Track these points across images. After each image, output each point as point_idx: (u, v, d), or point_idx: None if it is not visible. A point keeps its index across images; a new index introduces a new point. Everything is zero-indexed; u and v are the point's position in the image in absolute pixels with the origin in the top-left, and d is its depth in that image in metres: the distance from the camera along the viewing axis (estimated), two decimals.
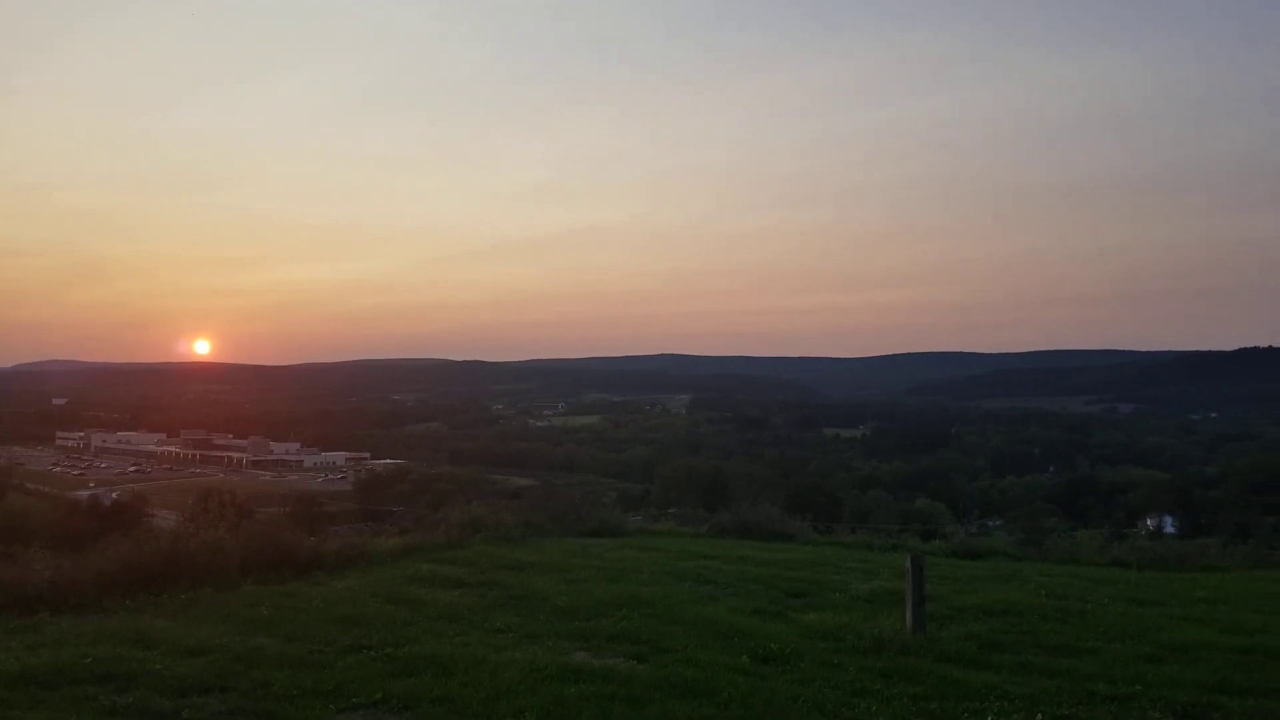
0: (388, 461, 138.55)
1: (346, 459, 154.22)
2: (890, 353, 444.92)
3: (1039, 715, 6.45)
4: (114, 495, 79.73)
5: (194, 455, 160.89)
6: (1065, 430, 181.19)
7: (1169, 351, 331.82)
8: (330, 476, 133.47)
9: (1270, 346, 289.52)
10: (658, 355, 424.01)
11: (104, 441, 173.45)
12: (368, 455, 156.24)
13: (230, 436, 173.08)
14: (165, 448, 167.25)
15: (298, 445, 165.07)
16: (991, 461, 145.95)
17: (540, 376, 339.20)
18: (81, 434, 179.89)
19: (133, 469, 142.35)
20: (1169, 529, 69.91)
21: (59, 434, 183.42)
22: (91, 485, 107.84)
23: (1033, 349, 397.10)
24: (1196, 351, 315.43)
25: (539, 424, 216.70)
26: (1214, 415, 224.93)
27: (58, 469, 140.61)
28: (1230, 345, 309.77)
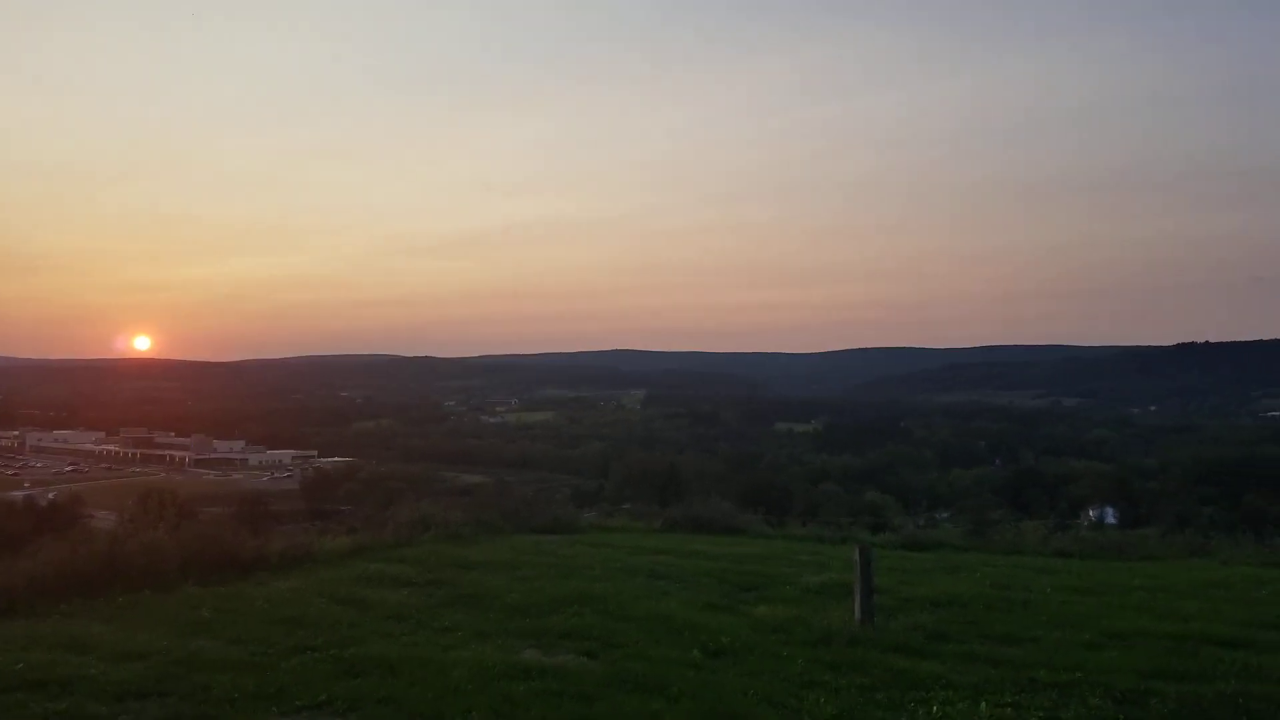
0: (336, 459, 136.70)
1: (293, 457, 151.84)
2: (842, 348, 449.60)
3: (983, 704, 6.54)
4: (50, 496, 77.46)
5: (134, 454, 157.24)
6: (1012, 424, 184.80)
7: (1112, 347, 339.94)
8: (276, 475, 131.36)
9: (1207, 342, 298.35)
10: (611, 351, 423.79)
11: (39, 440, 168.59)
12: (315, 453, 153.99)
13: (172, 435, 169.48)
14: (104, 446, 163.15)
15: (242, 443, 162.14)
16: (940, 455, 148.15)
17: (492, 373, 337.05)
18: (15, 433, 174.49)
19: (70, 468, 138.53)
20: (1110, 520, 71.71)
21: None
22: (26, 486, 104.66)
23: (982, 345, 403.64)
24: (1137, 347, 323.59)
25: (491, 420, 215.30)
26: (1154, 409, 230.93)
27: None
28: (1169, 341, 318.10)
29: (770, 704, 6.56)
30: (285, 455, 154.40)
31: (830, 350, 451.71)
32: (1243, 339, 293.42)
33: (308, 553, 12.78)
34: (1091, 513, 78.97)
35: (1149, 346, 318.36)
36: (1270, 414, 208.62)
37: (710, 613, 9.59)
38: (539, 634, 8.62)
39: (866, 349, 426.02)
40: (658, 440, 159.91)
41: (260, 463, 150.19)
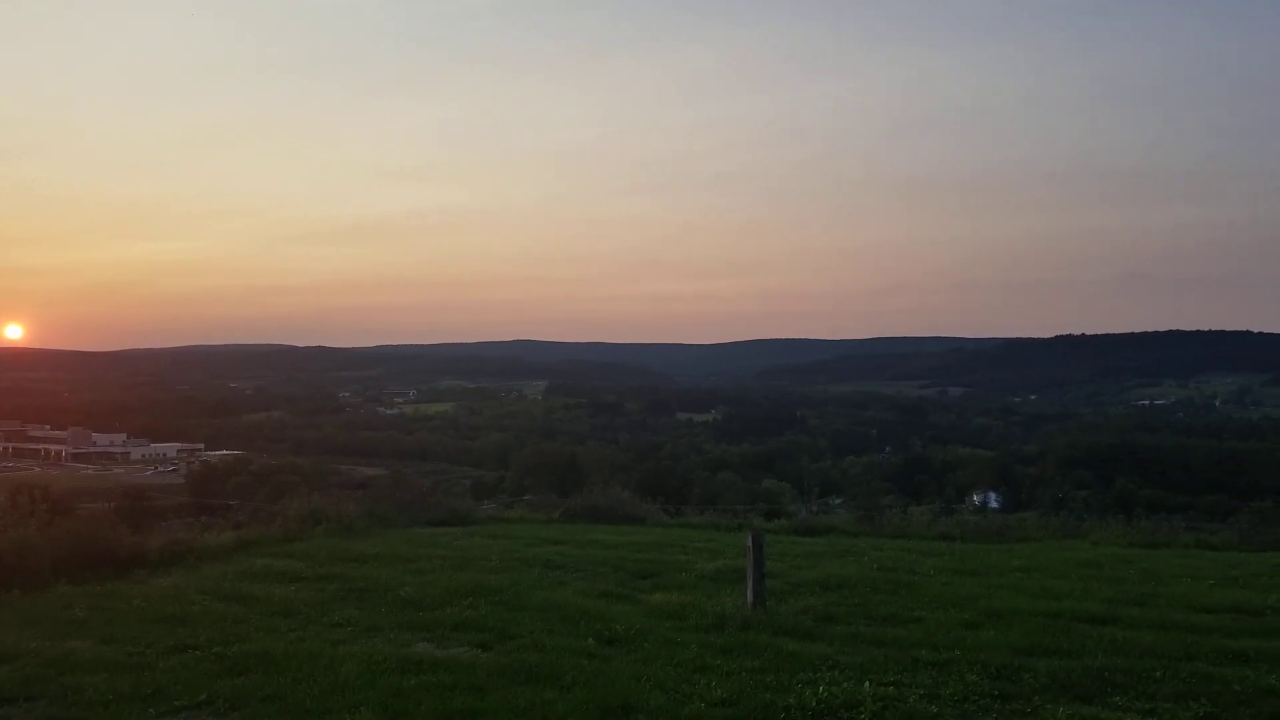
0: (224, 453, 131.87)
1: (178, 450, 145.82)
2: (740, 339, 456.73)
3: (867, 683, 6.75)
4: None
5: (6, 448, 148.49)
6: (901, 412, 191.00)
7: (994, 339, 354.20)
8: (160, 469, 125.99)
9: (1083, 334, 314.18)
10: (512, 341, 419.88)
11: None
12: (202, 446, 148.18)
13: (48, 428, 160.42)
14: None
15: (124, 436, 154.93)
16: (834, 442, 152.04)
17: (389, 363, 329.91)
18: None
19: None
20: (994, 504, 74.93)
21: None
22: None
23: (873, 336, 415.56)
24: (1018, 339, 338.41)
25: (389, 412, 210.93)
26: (1033, 398, 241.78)
27: None
28: (1048, 333, 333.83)
29: (662, 690, 6.63)
30: (170, 448, 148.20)
31: (729, 341, 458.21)
32: (1116, 331, 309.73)
33: (190, 549, 12.33)
34: (976, 497, 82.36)
35: (1029, 338, 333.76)
36: (1141, 402, 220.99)
37: (606, 601, 9.64)
38: (432, 627, 8.52)
39: (763, 340, 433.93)
40: (559, 431, 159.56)
41: (143, 456, 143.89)
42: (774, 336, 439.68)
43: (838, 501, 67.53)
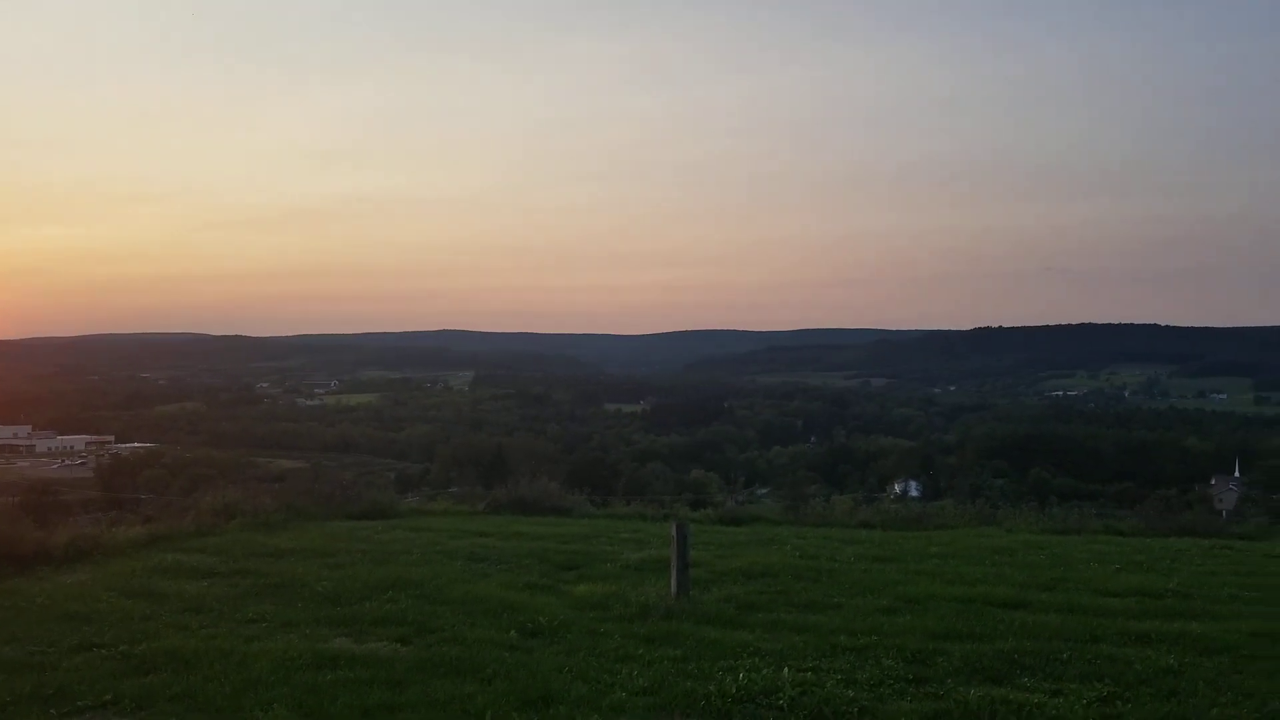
0: (136, 445, 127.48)
1: (87, 443, 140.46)
2: (670, 330, 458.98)
3: (786, 670, 6.83)
4: None
5: None
6: (826, 403, 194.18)
7: (916, 331, 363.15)
8: (68, 462, 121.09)
9: (1001, 327, 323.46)
10: (438, 331, 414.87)
11: None
12: (112, 439, 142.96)
13: None
14: None
15: (28, 428, 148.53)
16: (761, 433, 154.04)
17: (310, 353, 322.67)
18: None
19: None
20: (914, 492, 76.88)
21: None
22: None
23: (799, 328, 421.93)
24: (939, 331, 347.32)
25: (309, 403, 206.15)
26: (953, 389, 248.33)
27: None
28: (967, 326, 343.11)
29: (584, 680, 6.62)
30: (78, 441, 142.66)
31: (659, 333, 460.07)
32: (1032, 324, 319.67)
33: (97, 544, 11.87)
34: (897, 486, 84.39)
35: (949, 330, 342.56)
36: (1055, 393, 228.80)
37: (530, 593, 9.58)
38: (350, 622, 8.35)
39: (693, 332, 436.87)
40: (486, 422, 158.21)
41: (49, 449, 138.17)
42: (704, 328, 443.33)
43: (764, 491, 68.44)
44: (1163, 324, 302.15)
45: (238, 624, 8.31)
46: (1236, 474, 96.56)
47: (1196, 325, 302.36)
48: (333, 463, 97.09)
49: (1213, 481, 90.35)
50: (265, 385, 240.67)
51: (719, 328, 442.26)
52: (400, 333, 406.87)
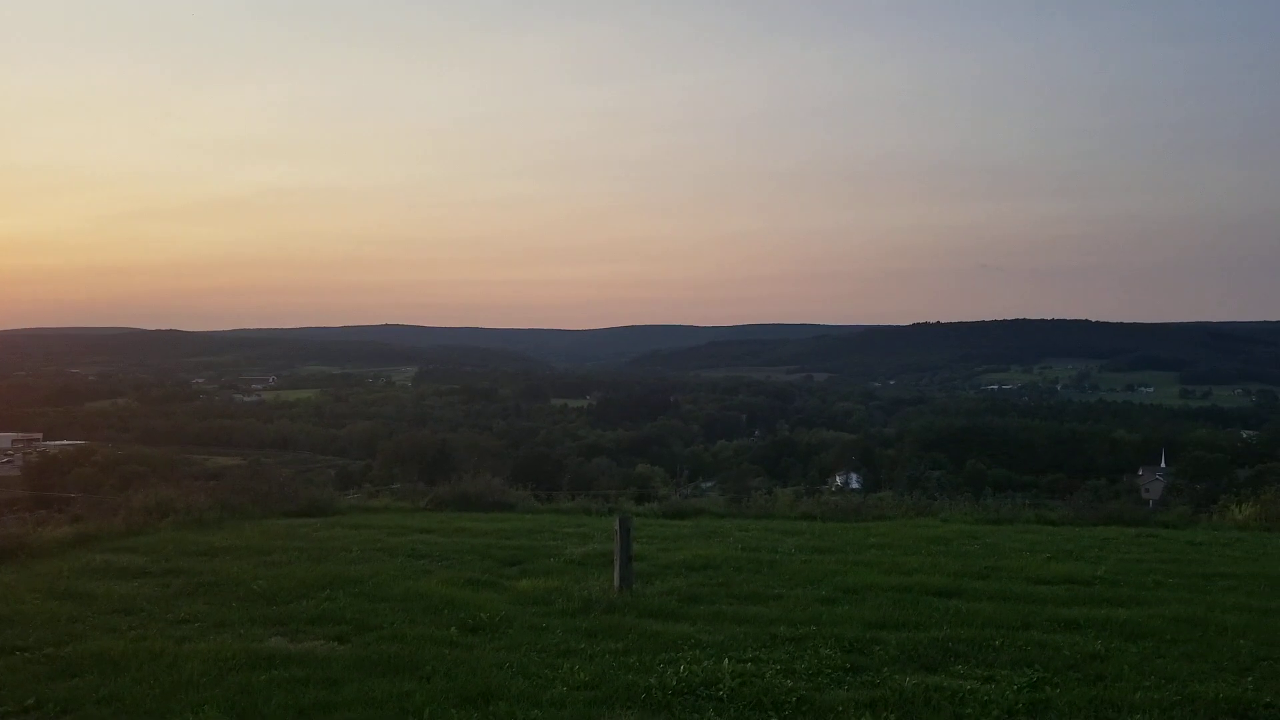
0: (65, 443, 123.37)
1: (14, 441, 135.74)
2: (615, 325, 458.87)
3: (726, 661, 6.89)
4: None
5: None
6: (769, 397, 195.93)
7: (857, 326, 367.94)
8: None
9: (939, 322, 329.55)
10: (380, 326, 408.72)
11: None
12: (40, 436, 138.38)
13: None
14: None
15: None
16: (705, 427, 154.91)
17: (248, 347, 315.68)
18: None
19: None
20: (855, 484, 77.92)
21: None
22: None
23: (742, 323, 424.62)
24: (879, 326, 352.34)
25: (247, 399, 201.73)
26: (892, 382, 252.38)
27: None
28: (906, 321, 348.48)
29: (525, 676, 6.60)
30: (4, 439, 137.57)
31: (604, 327, 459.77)
32: (968, 320, 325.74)
33: (23, 544, 11.50)
34: (838, 478, 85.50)
35: (889, 325, 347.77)
36: (990, 386, 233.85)
37: (471, 589, 9.51)
38: (286, 621, 8.21)
39: (639, 326, 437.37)
40: (430, 418, 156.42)
41: None
42: (649, 323, 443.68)
43: (709, 485, 68.83)
44: (1093, 320, 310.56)
45: (169, 624, 8.12)
46: (1163, 464, 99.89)
47: (1125, 321, 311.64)
48: (271, 460, 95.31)
49: (1140, 472, 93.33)
50: (201, 381, 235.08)
51: (664, 323, 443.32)
52: (341, 327, 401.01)
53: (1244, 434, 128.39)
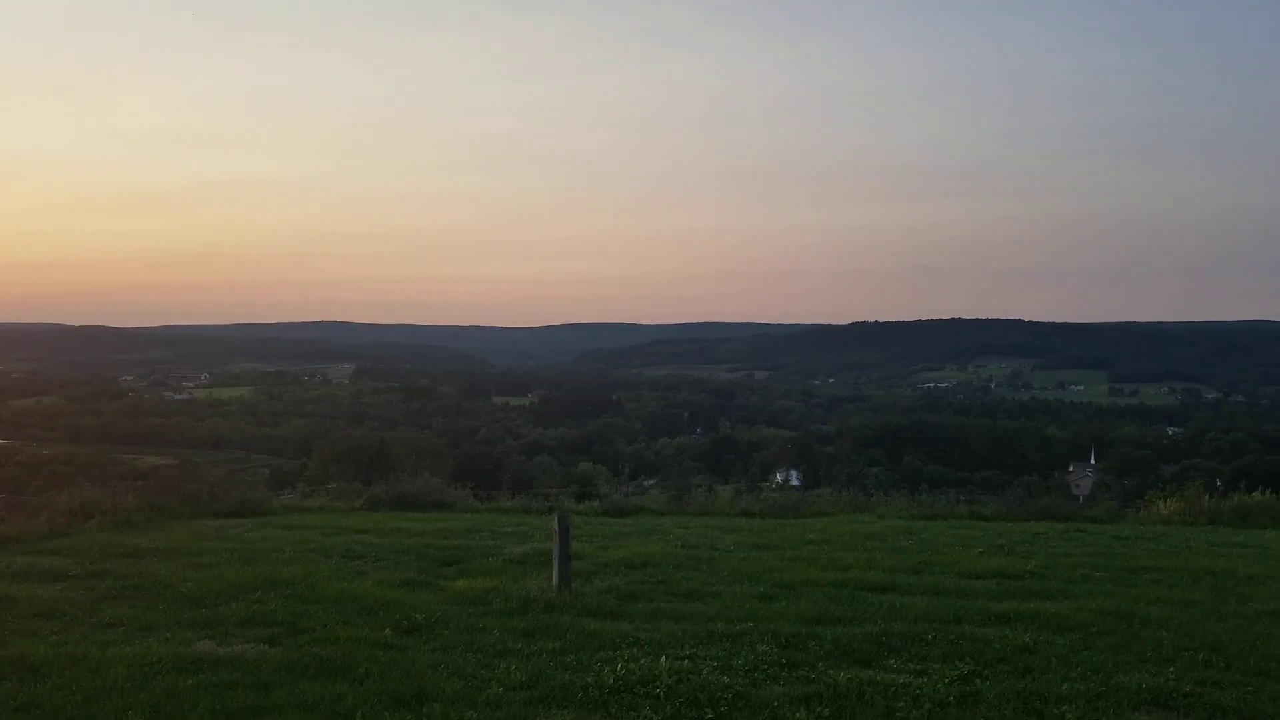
0: None
1: None
2: (556, 323, 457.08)
3: (663, 658, 6.89)
4: None
5: None
6: (711, 395, 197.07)
7: (796, 325, 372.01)
8: None
9: (877, 322, 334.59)
10: (317, 322, 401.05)
11: None
12: None
13: None
14: None
15: None
16: (648, 425, 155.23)
17: (179, 344, 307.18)
18: None
19: None
20: (794, 481, 78.88)
21: None
22: None
23: (684, 322, 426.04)
24: (818, 325, 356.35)
25: (178, 397, 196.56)
26: (831, 381, 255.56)
27: None
28: (845, 320, 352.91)
29: (460, 676, 6.52)
30: None
31: (546, 325, 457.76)
32: (905, 319, 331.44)
33: None
34: (779, 475, 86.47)
35: (828, 325, 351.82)
36: (926, 385, 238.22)
37: (407, 590, 9.38)
38: (215, 624, 8.01)
39: (581, 324, 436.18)
40: (367, 416, 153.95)
41: None
42: (591, 321, 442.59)
43: (651, 482, 69.01)
44: (1026, 320, 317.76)
45: (93, 629, 7.87)
46: (1092, 461, 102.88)
47: (1056, 321, 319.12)
48: (203, 459, 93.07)
49: (1070, 468, 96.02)
50: (129, 378, 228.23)
51: (605, 320, 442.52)
52: (275, 323, 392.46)
53: (1169, 431, 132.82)
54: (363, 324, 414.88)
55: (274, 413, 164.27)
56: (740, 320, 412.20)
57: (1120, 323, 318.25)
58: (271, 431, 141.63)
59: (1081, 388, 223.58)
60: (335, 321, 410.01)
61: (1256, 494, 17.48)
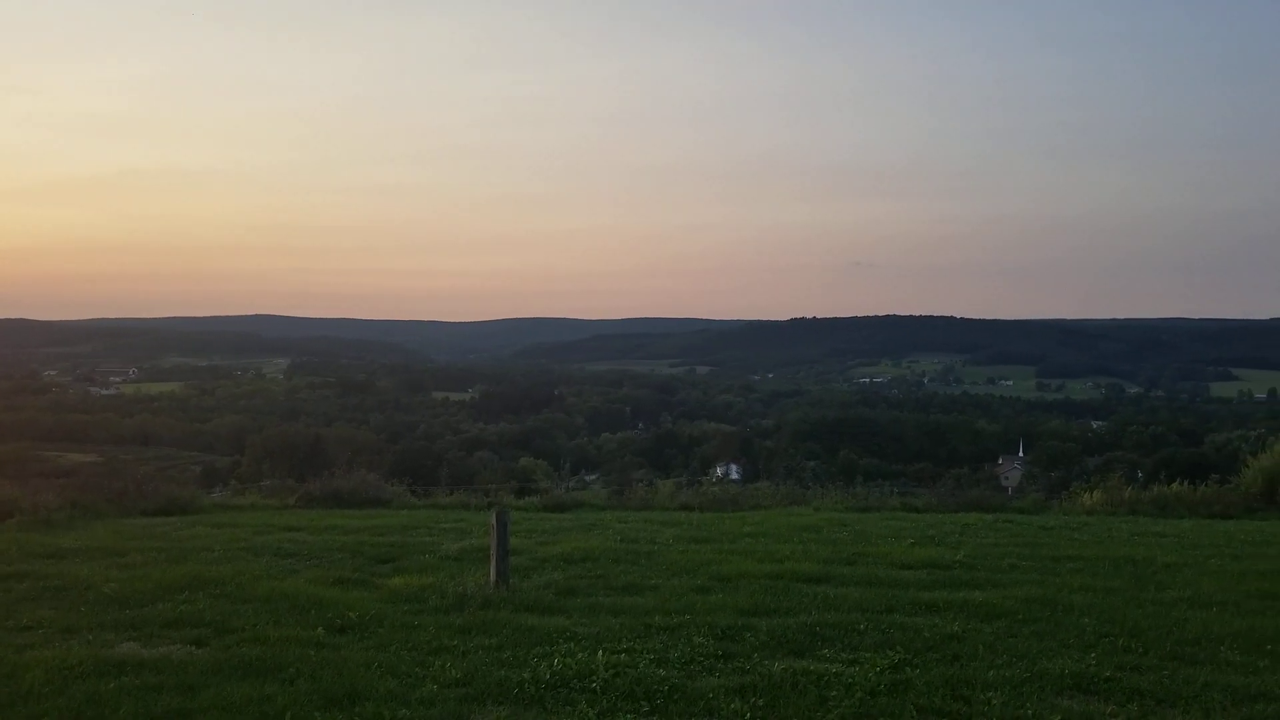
0: None
1: None
2: (498, 317, 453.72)
3: (600, 652, 6.90)
4: None
5: None
6: (653, 390, 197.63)
7: (737, 321, 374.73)
8: None
9: (814, 318, 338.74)
10: (250, 316, 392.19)
11: None
12: None
13: None
14: None
15: None
16: (590, 420, 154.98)
17: (106, 337, 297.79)
18: None
19: None
20: (734, 475, 79.43)
21: None
22: None
23: (626, 317, 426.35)
24: (758, 321, 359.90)
25: (105, 392, 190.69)
26: (770, 376, 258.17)
27: None
28: (784, 316, 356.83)
29: (394, 675, 6.45)
30: None
31: (487, 319, 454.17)
32: (842, 315, 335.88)
33: None
34: (719, 469, 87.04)
35: (767, 320, 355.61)
36: (862, 380, 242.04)
37: (341, 588, 9.24)
38: (140, 625, 7.79)
39: (522, 319, 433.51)
40: (303, 412, 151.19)
41: None
42: (533, 316, 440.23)
43: (592, 477, 68.98)
44: (957, 316, 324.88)
45: (10, 632, 7.60)
46: (1021, 454, 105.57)
47: (986, 318, 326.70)
48: (130, 456, 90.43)
49: (1000, 461, 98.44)
50: (53, 373, 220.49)
51: (547, 315, 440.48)
52: (207, 317, 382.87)
53: (1094, 425, 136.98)
54: (299, 317, 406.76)
55: (206, 408, 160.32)
56: (682, 316, 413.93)
57: (1048, 320, 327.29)
58: (203, 428, 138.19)
59: (1010, 383, 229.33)
60: (270, 315, 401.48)
61: (1175, 485, 18.14)
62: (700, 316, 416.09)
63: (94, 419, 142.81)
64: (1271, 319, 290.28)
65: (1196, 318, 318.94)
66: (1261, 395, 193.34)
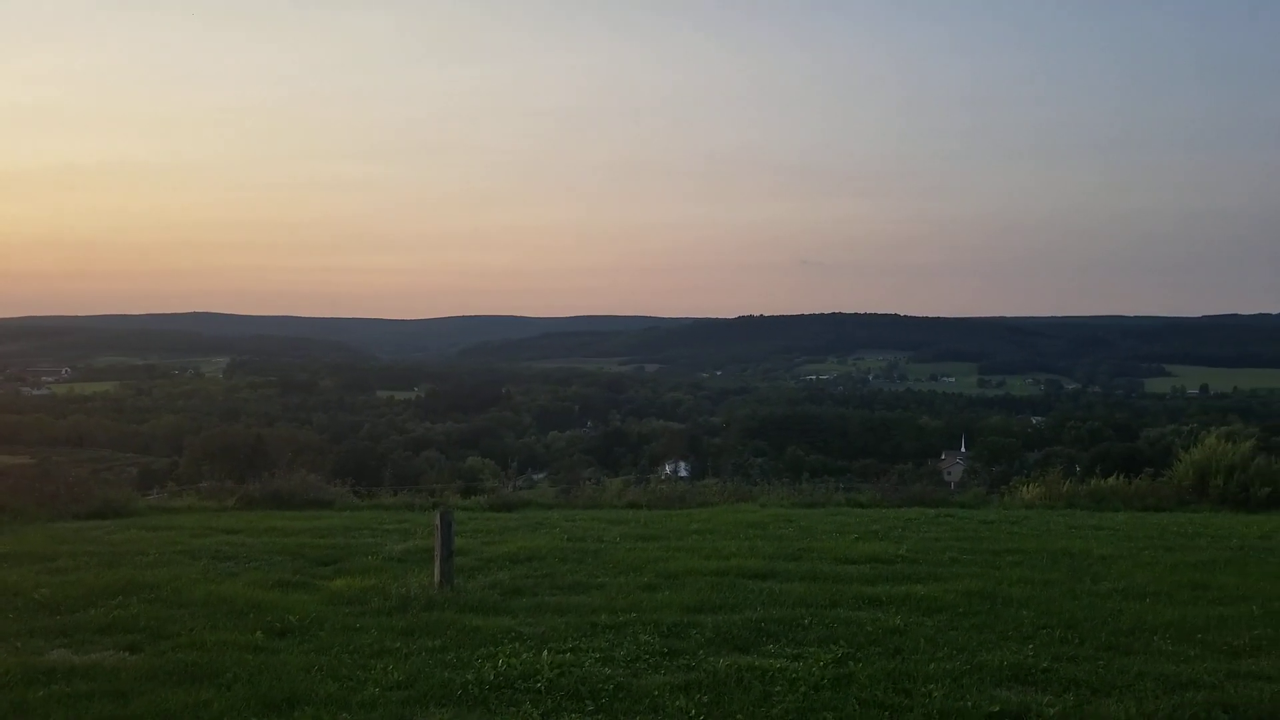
0: None
1: None
2: (444, 315, 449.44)
3: (545, 652, 6.87)
4: None
5: None
6: (602, 388, 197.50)
7: (685, 318, 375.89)
8: None
9: (762, 315, 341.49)
10: (188, 314, 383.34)
11: None
12: None
13: None
14: None
15: None
16: (538, 418, 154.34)
17: (36, 336, 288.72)
18: None
19: None
20: (683, 473, 79.58)
21: None
22: None
23: (574, 315, 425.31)
24: (706, 319, 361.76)
25: (36, 392, 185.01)
26: (719, 373, 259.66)
27: None
28: (732, 314, 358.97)
29: (335, 678, 6.34)
30: None
31: (432, 317, 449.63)
32: (789, 313, 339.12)
33: None
34: (668, 467, 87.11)
35: (715, 318, 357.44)
36: (809, 377, 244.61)
37: (281, 591, 9.07)
38: (71, 631, 7.56)
39: (468, 317, 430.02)
40: (243, 412, 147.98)
41: None
42: (480, 314, 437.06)
43: (540, 476, 68.70)
44: (901, 314, 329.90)
45: None
46: (963, 449, 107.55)
47: (929, 316, 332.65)
48: (63, 458, 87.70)
49: (943, 456, 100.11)
50: None
51: (495, 314, 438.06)
52: (143, 315, 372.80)
53: (1033, 420, 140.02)
54: (238, 315, 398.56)
55: (142, 409, 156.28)
56: (630, 314, 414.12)
57: (989, 318, 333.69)
58: (139, 428, 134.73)
59: (953, 379, 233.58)
60: (208, 312, 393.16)
61: (1111, 479, 18.62)
62: (649, 314, 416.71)
63: (25, 420, 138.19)
64: (1204, 316, 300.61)
65: (1132, 315, 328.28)
66: (1194, 391, 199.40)
